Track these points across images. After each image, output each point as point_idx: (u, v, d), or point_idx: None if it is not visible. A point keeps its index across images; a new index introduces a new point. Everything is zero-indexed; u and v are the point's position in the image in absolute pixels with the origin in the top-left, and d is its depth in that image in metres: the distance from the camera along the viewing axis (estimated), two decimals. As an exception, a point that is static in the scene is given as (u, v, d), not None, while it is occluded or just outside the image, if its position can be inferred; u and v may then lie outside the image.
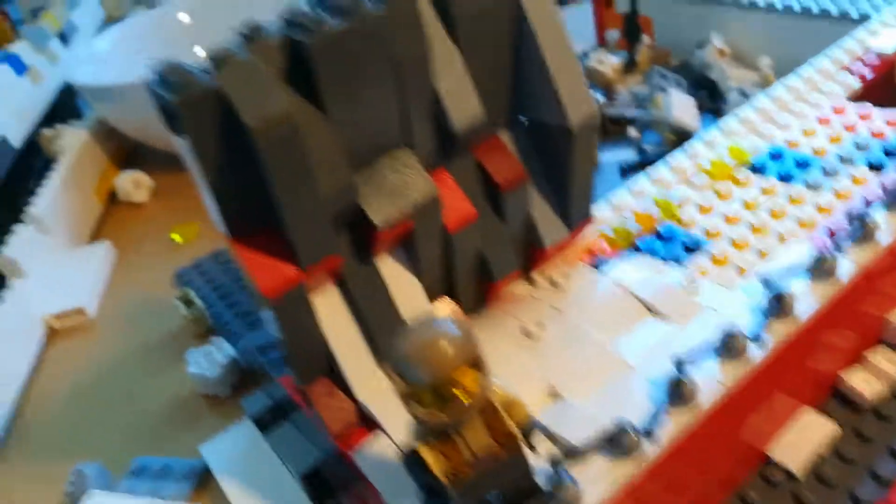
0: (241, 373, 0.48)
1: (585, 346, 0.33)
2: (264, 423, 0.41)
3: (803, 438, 0.34)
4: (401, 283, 0.32)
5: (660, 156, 0.56)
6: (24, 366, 0.53)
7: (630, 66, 0.66)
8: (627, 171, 0.56)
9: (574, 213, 0.36)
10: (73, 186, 0.67)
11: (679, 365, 0.30)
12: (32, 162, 0.74)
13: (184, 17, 0.81)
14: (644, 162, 0.56)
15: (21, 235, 0.58)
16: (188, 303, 0.52)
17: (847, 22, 0.56)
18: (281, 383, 0.37)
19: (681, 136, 0.57)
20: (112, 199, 0.73)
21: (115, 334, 0.56)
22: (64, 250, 0.63)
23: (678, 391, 0.29)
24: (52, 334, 0.57)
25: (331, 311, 0.31)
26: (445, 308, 0.35)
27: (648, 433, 0.28)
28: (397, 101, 0.29)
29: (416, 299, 0.33)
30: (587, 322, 0.34)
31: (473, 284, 0.35)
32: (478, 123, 0.31)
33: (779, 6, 0.61)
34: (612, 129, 0.60)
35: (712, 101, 0.59)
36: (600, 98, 0.61)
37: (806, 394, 0.35)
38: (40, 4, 1.06)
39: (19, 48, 0.73)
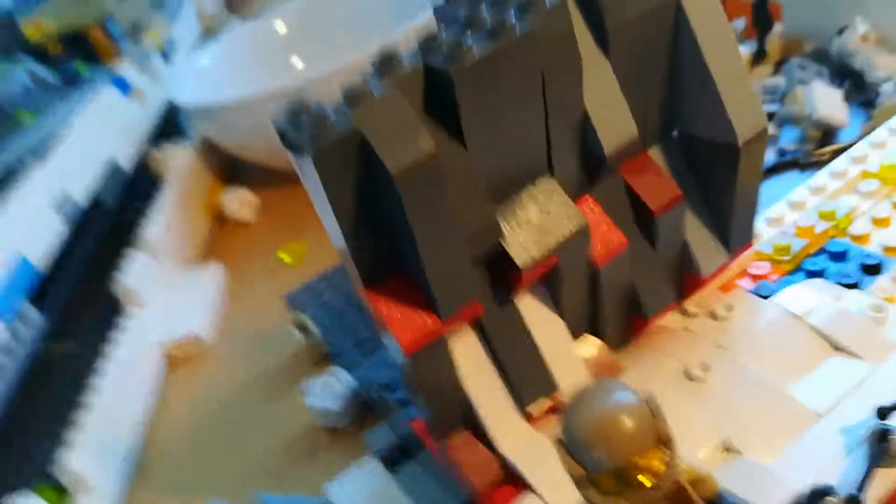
0: (363, 404, 0.45)
1: (761, 390, 0.28)
2: (391, 461, 0.39)
3: None
4: (542, 322, 0.29)
5: (803, 155, 0.51)
6: (146, 397, 0.53)
7: (760, 58, 0.60)
8: (767, 173, 0.51)
9: (735, 236, 0.31)
10: (182, 207, 0.67)
11: (883, 415, 0.26)
12: (140, 184, 0.75)
13: (280, 27, 0.80)
14: (786, 163, 0.51)
15: (136, 262, 0.58)
16: (304, 329, 0.50)
17: None
18: (412, 428, 0.35)
19: (825, 133, 0.51)
20: (219, 218, 0.73)
21: (230, 361, 0.55)
22: (175, 274, 0.62)
23: (886, 447, 0.25)
24: (171, 362, 0.57)
25: (470, 360, 0.28)
26: (591, 348, 0.31)
27: (853, 499, 0.24)
28: (544, 125, 0.25)
29: (560, 340, 0.29)
30: (759, 362, 0.29)
31: (621, 319, 0.32)
32: (629, 143, 0.27)
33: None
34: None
35: (859, 92, 0.53)
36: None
37: None
38: (138, 18, 1.07)
39: (124, 69, 0.73)
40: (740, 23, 0.63)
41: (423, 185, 0.22)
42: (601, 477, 0.19)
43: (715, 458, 0.27)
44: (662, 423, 0.19)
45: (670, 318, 0.33)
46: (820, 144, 0.51)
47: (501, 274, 0.27)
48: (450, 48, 0.22)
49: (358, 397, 0.45)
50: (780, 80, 0.57)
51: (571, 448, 0.20)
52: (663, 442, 0.20)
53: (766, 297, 0.32)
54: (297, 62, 0.80)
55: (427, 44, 0.23)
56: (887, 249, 0.33)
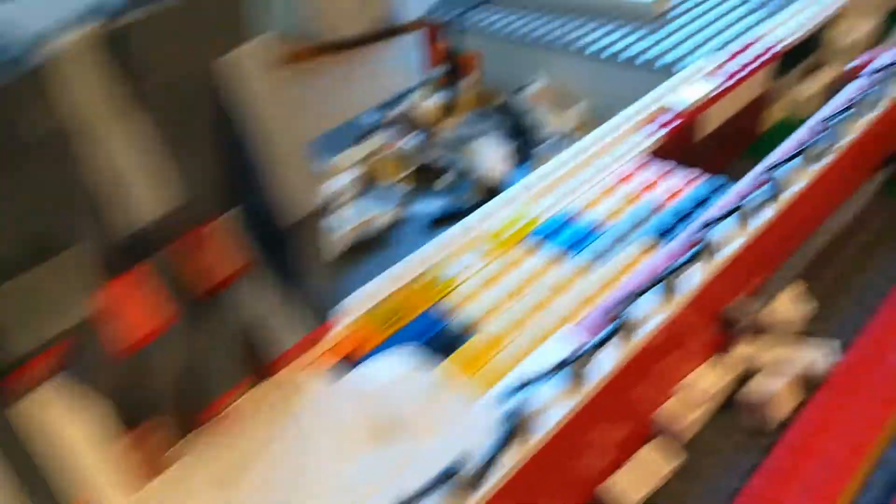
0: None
1: (297, 487, 0.27)
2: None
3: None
4: (61, 428, 0.25)
5: (470, 208, 0.53)
6: None
7: (451, 107, 0.62)
8: (436, 223, 0.52)
9: (315, 309, 0.31)
10: None
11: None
12: None
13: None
14: (453, 213, 0.52)
15: None
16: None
17: (665, 74, 0.54)
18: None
19: (491, 188, 0.53)
20: None
21: None
22: None
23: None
24: None
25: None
26: (131, 443, 0.29)
27: None
28: (37, 197, 0.23)
29: (84, 441, 0.25)
30: (307, 453, 0.28)
31: (183, 403, 0.29)
32: (171, 213, 0.26)
33: (604, 55, 0.58)
34: (421, 177, 0.56)
35: (528, 148, 0.56)
36: (416, 142, 0.56)
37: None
38: None
39: None
40: (439, 71, 0.64)
41: None
42: None
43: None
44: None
45: (248, 397, 0.31)
46: (487, 198, 0.53)
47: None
48: None
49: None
50: (463, 132, 0.58)
51: None
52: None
53: (347, 372, 0.32)
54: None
55: None
56: (468, 324, 0.34)
